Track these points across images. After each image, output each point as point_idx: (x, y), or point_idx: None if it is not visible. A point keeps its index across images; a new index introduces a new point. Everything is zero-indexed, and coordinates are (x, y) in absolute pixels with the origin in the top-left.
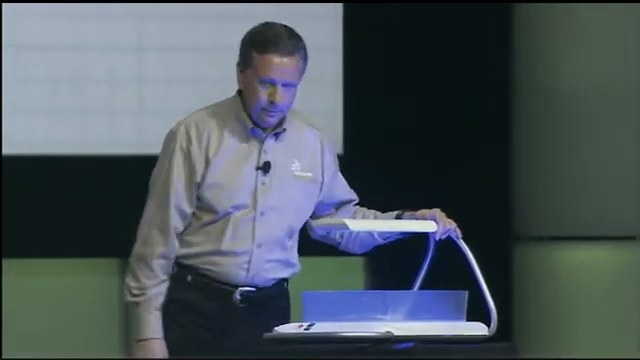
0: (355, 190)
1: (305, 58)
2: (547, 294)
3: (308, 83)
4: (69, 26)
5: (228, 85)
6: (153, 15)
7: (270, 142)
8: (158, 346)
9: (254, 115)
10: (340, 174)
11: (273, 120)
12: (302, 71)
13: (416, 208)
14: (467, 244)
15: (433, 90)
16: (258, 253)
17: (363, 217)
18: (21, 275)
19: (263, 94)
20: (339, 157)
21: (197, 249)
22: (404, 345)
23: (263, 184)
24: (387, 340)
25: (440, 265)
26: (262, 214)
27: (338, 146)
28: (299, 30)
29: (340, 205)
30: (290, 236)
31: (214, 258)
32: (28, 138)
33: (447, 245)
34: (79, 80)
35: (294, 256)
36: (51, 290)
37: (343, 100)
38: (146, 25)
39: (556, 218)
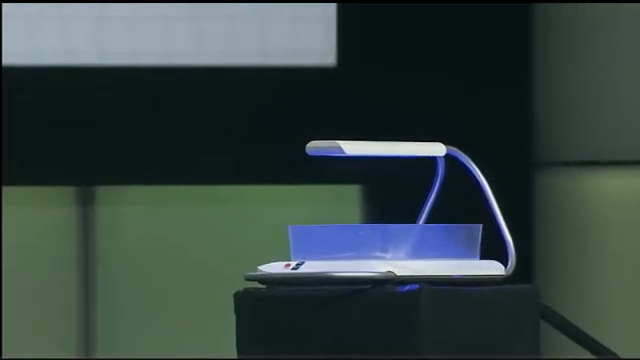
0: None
1: None
2: (572, 227)
3: None
4: None
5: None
6: None
7: None
8: None
9: None
10: None
11: None
12: None
13: (424, 131)
14: (481, 170)
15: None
16: None
17: None
18: None
19: None
20: (330, 68)
21: None
22: (408, 287)
23: None
24: (388, 281)
25: (450, 194)
26: None
27: (331, 57)
28: None
29: None
30: None
31: None
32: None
33: (458, 171)
34: None
35: None
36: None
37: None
38: None
39: (583, 141)
